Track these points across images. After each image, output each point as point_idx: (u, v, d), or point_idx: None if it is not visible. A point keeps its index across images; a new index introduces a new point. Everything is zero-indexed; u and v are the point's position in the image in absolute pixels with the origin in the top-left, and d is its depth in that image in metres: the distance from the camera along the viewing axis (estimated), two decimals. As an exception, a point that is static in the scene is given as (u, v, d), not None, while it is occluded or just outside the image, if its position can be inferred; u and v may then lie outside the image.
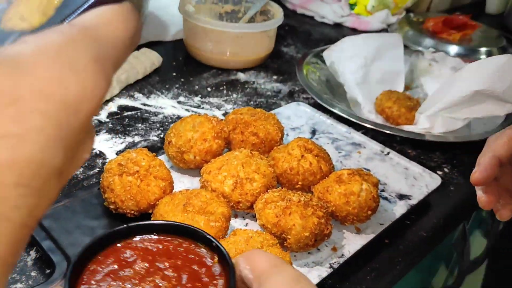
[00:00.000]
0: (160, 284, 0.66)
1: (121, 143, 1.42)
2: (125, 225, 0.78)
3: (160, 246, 0.78)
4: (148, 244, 0.77)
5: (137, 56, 1.78)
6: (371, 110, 1.67)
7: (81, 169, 1.29)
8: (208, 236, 0.72)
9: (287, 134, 1.47)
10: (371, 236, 1.14)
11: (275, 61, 2.03)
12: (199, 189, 1.09)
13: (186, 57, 1.98)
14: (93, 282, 0.67)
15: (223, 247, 0.71)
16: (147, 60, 1.80)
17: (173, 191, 1.13)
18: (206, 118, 1.25)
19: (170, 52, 2.01)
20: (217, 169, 1.15)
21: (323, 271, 1.04)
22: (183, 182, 1.25)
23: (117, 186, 1.07)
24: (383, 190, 1.30)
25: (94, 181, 1.23)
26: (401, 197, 1.29)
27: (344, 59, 1.74)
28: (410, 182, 1.35)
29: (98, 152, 1.37)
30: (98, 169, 1.30)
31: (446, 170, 1.49)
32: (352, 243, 1.12)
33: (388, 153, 1.46)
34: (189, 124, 1.25)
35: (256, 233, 0.97)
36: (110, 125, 1.49)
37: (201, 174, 1.18)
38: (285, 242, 1.02)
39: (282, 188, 1.13)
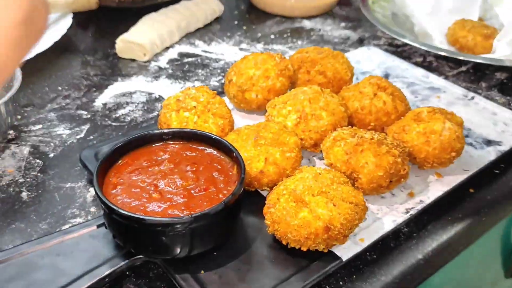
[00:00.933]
0: (178, 183, 0.83)
1: (181, 88, 1.36)
2: (159, 130, 0.84)
3: (189, 152, 0.92)
4: (178, 148, 0.92)
5: (197, 4, 1.71)
6: (443, 41, 1.53)
7: (140, 112, 1.25)
8: (231, 147, 0.89)
9: (357, 78, 1.34)
10: (454, 183, 1.01)
11: (343, 8, 1.89)
12: (265, 122, 1.01)
13: (249, 5, 1.88)
14: (121, 173, 0.86)
15: (242, 159, 0.86)
16: (208, 8, 1.72)
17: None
18: (269, 55, 1.16)
19: (231, 0, 1.92)
20: (283, 103, 1.06)
21: (399, 217, 0.92)
22: (245, 123, 1.16)
23: (174, 122, 1.01)
24: (467, 136, 1.15)
25: (153, 123, 1.19)
26: (489, 142, 1.13)
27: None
28: (500, 127, 1.18)
29: (157, 96, 1.32)
30: (157, 112, 1.26)
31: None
32: (432, 189, 0.99)
33: (473, 97, 1.29)
34: (250, 61, 1.16)
35: (324, 170, 0.88)
36: (170, 71, 1.44)
37: (266, 108, 1.09)
38: (355, 183, 0.92)
39: (353, 127, 1.02)
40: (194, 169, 0.86)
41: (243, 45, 1.60)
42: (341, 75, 1.18)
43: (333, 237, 0.80)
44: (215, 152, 0.92)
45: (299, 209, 0.80)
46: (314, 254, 0.82)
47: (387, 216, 0.92)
